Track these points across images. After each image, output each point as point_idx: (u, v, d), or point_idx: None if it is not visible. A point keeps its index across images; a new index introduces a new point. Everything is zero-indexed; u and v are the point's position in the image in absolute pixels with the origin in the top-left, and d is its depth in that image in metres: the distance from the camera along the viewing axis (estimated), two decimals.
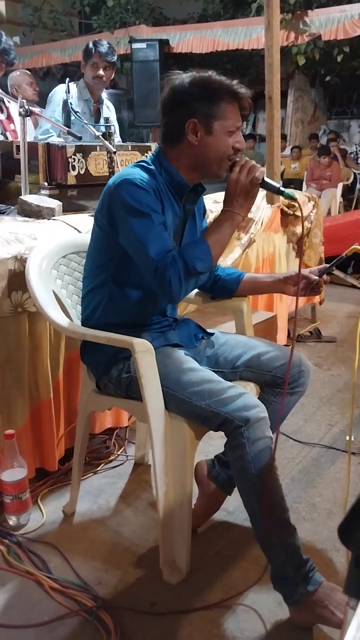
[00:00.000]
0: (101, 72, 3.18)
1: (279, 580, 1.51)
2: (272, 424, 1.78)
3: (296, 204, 1.67)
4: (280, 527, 1.50)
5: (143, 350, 1.54)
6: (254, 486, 1.49)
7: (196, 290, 1.98)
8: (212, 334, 1.86)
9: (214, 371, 1.66)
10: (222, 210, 1.60)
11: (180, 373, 1.58)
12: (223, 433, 1.52)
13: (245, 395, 1.52)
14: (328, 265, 1.77)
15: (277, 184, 1.63)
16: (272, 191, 1.63)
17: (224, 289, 1.91)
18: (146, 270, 1.52)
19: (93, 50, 3.16)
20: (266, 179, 1.59)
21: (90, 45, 3.19)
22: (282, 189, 1.60)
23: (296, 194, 3.72)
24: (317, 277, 1.74)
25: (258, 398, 1.76)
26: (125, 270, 1.63)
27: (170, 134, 1.61)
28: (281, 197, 3.35)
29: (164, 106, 1.61)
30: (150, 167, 1.61)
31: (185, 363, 1.62)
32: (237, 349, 1.78)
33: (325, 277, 1.76)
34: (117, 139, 2.94)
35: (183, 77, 1.58)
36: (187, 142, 1.58)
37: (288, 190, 1.60)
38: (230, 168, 1.59)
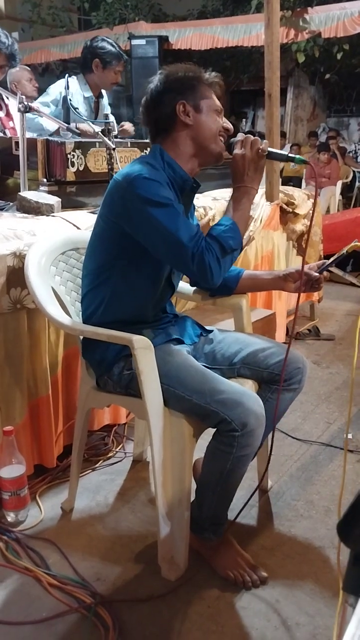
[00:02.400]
0: (120, 79, 3.19)
1: (194, 523, 1.65)
2: (269, 421, 1.79)
3: (309, 165, 1.69)
4: (221, 502, 1.63)
5: (142, 347, 1.54)
6: (221, 477, 1.55)
7: (195, 287, 1.98)
8: (210, 331, 1.86)
9: (211, 368, 1.66)
10: (234, 188, 1.63)
11: (181, 370, 1.58)
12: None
13: (247, 397, 1.51)
14: (328, 261, 1.77)
15: (284, 152, 1.65)
16: (281, 159, 1.67)
17: (223, 286, 1.90)
18: (181, 259, 1.51)
19: (122, 58, 3.13)
20: (271, 149, 1.62)
21: (116, 50, 3.11)
22: (291, 155, 1.62)
23: (295, 191, 3.72)
24: (317, 274, 1.74)
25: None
26: (133, 267, 1.63)
27: (162, 125, 1.65)
28: (280, 195, 3.38)
29: (147, 108, 1.67)
30: (152, 162, 1.62)
31: (187, 360, 1.63)
32: (234, 346, 1.78)
33: (325, 273, 1.76)
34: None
35: (155, 78, 1.66)
36: (180, 126, 1.62)
37: (298, 156, 1.62)
38: (228, 148, 1.63)
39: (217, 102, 1.65)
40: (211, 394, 1.51)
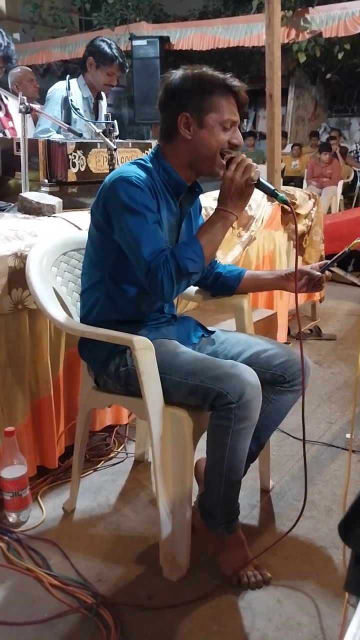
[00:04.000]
0: (115, 82, 3.15)
1: (207, 514, 1.64)
2: (272, 422, 1.79)
3: (288, 208, 1.66)
4: (229, 487, 1.60)
5: (143, 348, 1.54)
6: (224, 455, 1.54)
7: (196, 287, 1.98)
8: (212, 332, 1.86)
9: None
10: (215, 209, 1.59)
11: (173, 357, 1.59)
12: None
13: (241, 369, 1.51)
14: (329, 260, 1.77)
15: (271, 186, 1.61)
16: (266, 193, 1.62)
17: (225, 286, 1.91)
18: (139, 270, 1.53)
19: (115, 61, 3.06)
20: (261, 180, 1.58)
21: (111, 51, 3.05)
22: (276, 191, 1.59)
23: (296, 191, 3.71)
24: (318, 273, 1.74)
25: None
26: (122, 267, 1.63)
27: (165, 130, 1.62)
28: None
29: (159, 104, 1.62)
30: (148, 165, 1.61)
31: (178, 348, 1.64)
32: (237, 347, 1.77)
33: (327, 272, 1.76)
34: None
35: (176, 74, 1.58)
36: (180, 137, 1.58)
37: (281, 195, 1.59)
38: (226, 165, 1.57)
39: (229, 116, 1.56)
40: (204, 372, 1.52)
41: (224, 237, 1.62)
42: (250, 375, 1.51)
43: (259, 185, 1.58)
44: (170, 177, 1.62)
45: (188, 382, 1.54)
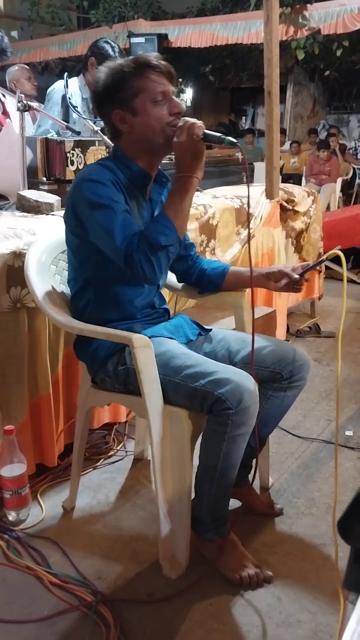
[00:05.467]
0: None
1: (196, 522, 1.65)
2: (271, 419, 1.79)
3: (239, 150, 1.62)
4: (220, 494, 1.61)
5: (142, 346, 1.54)
6: (217, 461, 1.54)
7: (182, 284, 1.98)
8: (209, 330, 1.86)
9: None
10: (175, 178, 1.58)
11: (173, 358, 1.59)
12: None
13: (239, 375, 1.51)
14: (309, 264, 1.76)
15: (217, 134, 1.58)
16: (215, 142, 1.59)
17: (209, 283, 1.91)
18: (117, 259, 1.52)
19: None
20: (207, 132, 1.56)
21: (114, 54, 3.01)
22: (222, 137, 1.57)
23: (295, 188, 3.70)
24: (297, 276, 1.73)
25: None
26: (104, 268, 1.63)
27: (111, 132, 1.66)
28: (280, 192, 3.37)
29: (95, 112, 1.68)
30: (108, 163, 1.63)
31: (178, 349, 1.63)
32: (235, 345, 1.77)
33: (306, 276, 1.75)
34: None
35: (97, 81, 1.62)
36: (124, 132, 1.61)
37: (228, 138, 1.57)
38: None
39: (154, 89, 1.56)
40: (203, 375, 1.52)
41: (189, 207, 1.59)
42: (249, 382, 1.51)
43: (207, 139, 1.56)
44: (132, 170, 1.63)
45: (187, 385, 1.54)
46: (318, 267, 1.72)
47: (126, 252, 1.49)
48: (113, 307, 1.69)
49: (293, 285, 1.75)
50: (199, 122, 1.55)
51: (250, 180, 3.47)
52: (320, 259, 1.70)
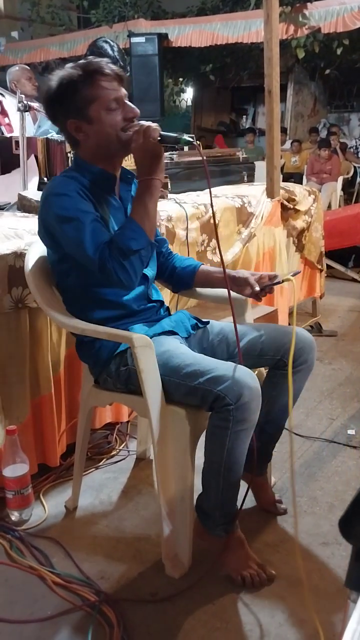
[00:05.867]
0: None
1: (205, 516, 1.65)
2: (279, 407, 1.78)
3: (195, 144, 1.61)
4: (227, 488, 1.59)
5: (142, 345, 1.54)
6: (222, 456, 1.54)
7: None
8: (207, 322, 1.86)
9: None
10: (137, 182, 1.59)
11: (172, 358, 1.59)
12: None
13: (238, 370, 1.51)
14: (276, 276, 1.76)
15: (173, 134, 1.58)
16: (172, 143, 1.60)
17: (181, 281, 1.92)
18: (93, 269, 1.53)
19: (116, 64, 3.06)
20: (163, 134, 1.55)
21: (112, 53, 3.03)
22: (178, 137, 1.57)
23: (296, 187, 3.69)
24: (258, 288, 1.73)
25: (264, 381, 1.77)
26: (89, 276, 1.62)
27: (69, 141, 1.66)
28: (281, 192, 3.37)
29: (50, 120, 1.68)
30: (70, 173, 1.63)
31: (178, 348, 1.64)
32: (233, 336, 1.77)
33: (267, 289, 1.75)
34: None
35: (46, 89, 1.62)
36: (81, 140, 1.61)
37: (184, 137, 1.57)
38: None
39: (107, 96, 1.54)
40: (202, 373, 1.52)
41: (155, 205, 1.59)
42: (249, 378, 1.50)
43: (164, 140, 1.56)
44: (95, 174, 1.63)
45: (187, 384, 1.54)
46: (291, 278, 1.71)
47: (100, 261, 1.50)
48: (108, 309, 1.69)
49: (255, 295, 1.75)
50: (154, 125, 1.55)
51: (239, 181, 3.47)
52: (277, 280, 1.72)
